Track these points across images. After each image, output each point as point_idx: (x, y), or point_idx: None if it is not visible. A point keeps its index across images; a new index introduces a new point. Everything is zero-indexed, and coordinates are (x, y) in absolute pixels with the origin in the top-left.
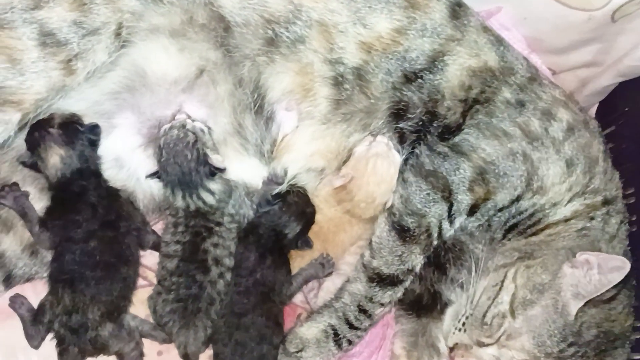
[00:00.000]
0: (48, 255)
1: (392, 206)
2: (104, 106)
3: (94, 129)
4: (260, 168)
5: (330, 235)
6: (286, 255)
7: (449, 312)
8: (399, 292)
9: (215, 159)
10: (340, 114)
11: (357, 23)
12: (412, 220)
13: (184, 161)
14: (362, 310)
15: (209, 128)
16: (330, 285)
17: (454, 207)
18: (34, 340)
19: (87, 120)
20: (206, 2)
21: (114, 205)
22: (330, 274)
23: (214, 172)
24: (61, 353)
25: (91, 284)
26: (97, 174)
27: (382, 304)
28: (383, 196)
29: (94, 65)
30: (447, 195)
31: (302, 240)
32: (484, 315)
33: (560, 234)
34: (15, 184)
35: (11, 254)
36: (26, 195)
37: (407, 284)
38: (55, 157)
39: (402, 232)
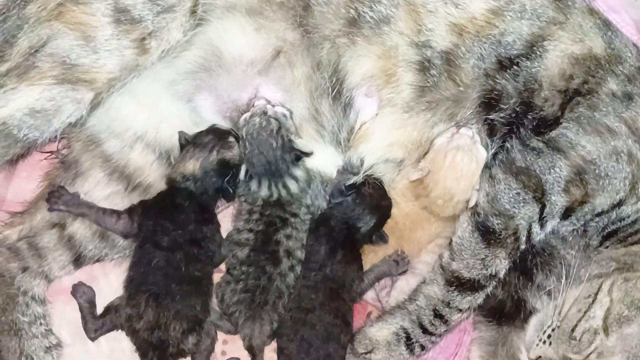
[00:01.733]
0: (119, 239)
1: (476, 205)
2: (180, 86)
3: (228, 191)
4: (335, 157)
5: (406, 232)
6: (358, 250)
7: (534, 321)
8: (479, 298)
9: (301, 143)
10: (424, 102)
11: (449, 2)
12: (499, 221)
13: (270, 150)
14: (438, 315)
15: (291, 112)
16: (404, 285)
17: (547, 209)
18: (91, 333)
19: (166, 101)
20: None
21: (206, 227)
22: (404, 272)
23: (300, 156)
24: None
25: (176, 299)
26: (206, 208)
27: (460, 310)
28: (463, 194)
29: (168, 44)
30: (540, 195)
31: (377, 235)
32: (573, 329)
33: None
34: (61, 187)
35: (81, 237)
36: (77, 195)
37: (489, 289)
38: (194, 167)
39: (487, 234)
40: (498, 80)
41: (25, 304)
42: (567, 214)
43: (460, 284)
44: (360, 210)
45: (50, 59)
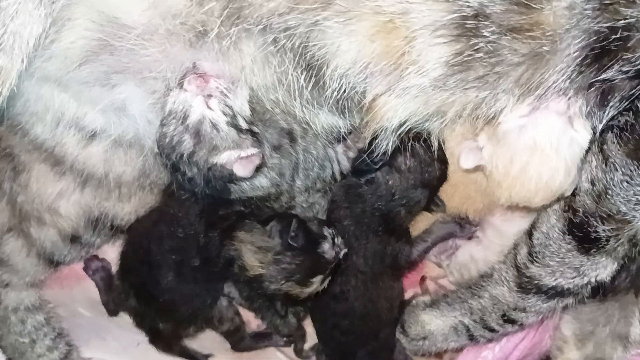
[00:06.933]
0: (94, 239)
1: (573, 194)
2: (82, 76)
3: None
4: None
5: (470, 193)
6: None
7: None
8: (568, 301)
9: (238, 168)
10: (473, 80)
11: None
12: (606, 227)
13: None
14: (509, 320)
15: (231, 111)
16: (467, 256)
17: None
18: (111, 308)
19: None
20: None
21: None
22: (470, 237)
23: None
24: None
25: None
26: None
27: (540, 313)
28: (544, 201)
29: (27, 47)
30: None
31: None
32: None
33: None
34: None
35: (49, 243)
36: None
37: (584, 293)
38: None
39: (585, 242)
40: (623, 13)
41: (21, 321)
42: None
43: (541, 291)
44: (397, 193)
45: None
